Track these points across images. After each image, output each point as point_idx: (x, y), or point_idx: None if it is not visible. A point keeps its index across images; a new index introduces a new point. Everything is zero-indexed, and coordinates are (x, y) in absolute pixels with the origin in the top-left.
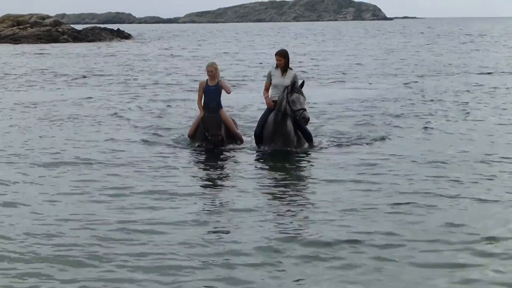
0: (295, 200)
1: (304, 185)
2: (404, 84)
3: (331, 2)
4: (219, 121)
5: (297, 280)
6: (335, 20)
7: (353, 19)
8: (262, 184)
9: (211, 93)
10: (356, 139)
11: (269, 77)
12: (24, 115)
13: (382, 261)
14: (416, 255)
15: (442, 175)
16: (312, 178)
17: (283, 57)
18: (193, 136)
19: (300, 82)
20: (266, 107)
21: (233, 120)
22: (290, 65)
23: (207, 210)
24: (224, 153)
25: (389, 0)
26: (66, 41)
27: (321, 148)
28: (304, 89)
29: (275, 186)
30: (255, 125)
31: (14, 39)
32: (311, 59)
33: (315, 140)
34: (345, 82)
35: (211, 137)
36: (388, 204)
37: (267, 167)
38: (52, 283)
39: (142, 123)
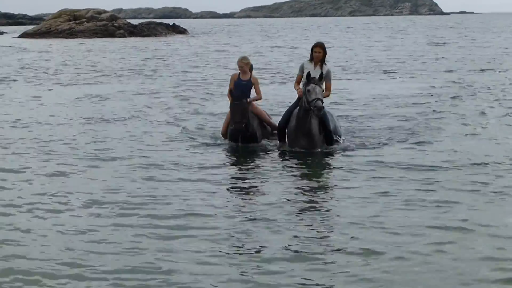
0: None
1: (326, 194)
2: (454, 81)
3: None
4: (243, 108)
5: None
6: (391, 14)
7: (409, 14)
8: (288, 191)
9: (242, 87)
10: (388, 140)
11: (301, 69)
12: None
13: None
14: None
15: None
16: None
17: (323, 49)
18: (225, 133)
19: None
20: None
21: (266, 113)
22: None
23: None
24: (251, 153)
25: None
26: (122, 35)
27: (346, 151)
28: (348, 83)
29: (297, 193)
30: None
31: (71, 34)
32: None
33: (341, 141)
34: (393, 77)
35: (235, 124)
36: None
37: (294, 172)
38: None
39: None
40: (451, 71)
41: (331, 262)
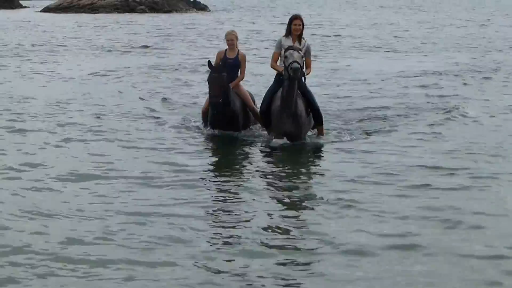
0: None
1: (316, 186)
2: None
3: None
4: (222, 81)
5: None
6: None
7: None
8: (275, 188)
9: (229, 66)
10: (389, 127)
11: (279, 46)
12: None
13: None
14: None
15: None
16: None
17: (302, 22)
18: (206, 114)
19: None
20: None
21: (250, 93)
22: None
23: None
24: (233, 142)
25: None
26: (143, 11)
27: (334, 140)
28: (363, 61)
29: (286, 190)
30: None
31: (92, 9)
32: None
33: (328, 128)
34: (413, 54)
35: (210, 98)
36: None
37: (280, 167)
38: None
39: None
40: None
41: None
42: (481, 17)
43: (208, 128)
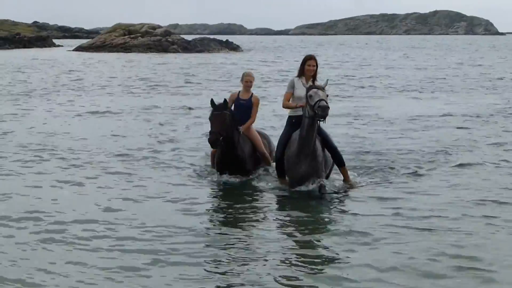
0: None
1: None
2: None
3: (443, 16)
4: (223, 119)
5: None
6: (447, 34)
7: (464, 34)
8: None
9: (241, 107)
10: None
11: (291, 86)
12: None
13: None
14: None
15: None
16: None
17: (316, 62)
18: (214, 156)
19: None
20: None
21: (265, 135)
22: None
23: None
24: (241, 186)
25: (502, 15)
26: (176, 51)
27: (355, 185)
28: (386, 101)
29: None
30: None
31: (125, 48)
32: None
33: (351, 176)
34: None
35: (209, 134)
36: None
37: (290, 216)
38: None
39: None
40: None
41: None
42: None
43: (217, 173)
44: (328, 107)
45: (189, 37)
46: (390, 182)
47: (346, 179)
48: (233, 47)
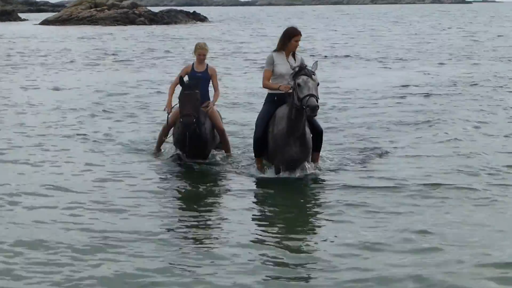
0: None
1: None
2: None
3: None
4: (196, 100)
5: None
6: (413, 3)
7: (431, 2)
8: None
9: (199, 79)
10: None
11: (271, 63)
12: None
13: None
14: None
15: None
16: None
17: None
18: (167, 133)
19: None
20: (262, 104)
21: (218, 112)
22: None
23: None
24: (203, 171)
25: None
26: (143, 23)
27: (323, 169)
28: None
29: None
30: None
31: (92, 21)
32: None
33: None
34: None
35: (183, 117)
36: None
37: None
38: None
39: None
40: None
41: None
42: None
43: (174, 152)
44: (318, 107)
45: (156, 9)
46: (352, 164)
47: (315, 161)
48: (201, 18)
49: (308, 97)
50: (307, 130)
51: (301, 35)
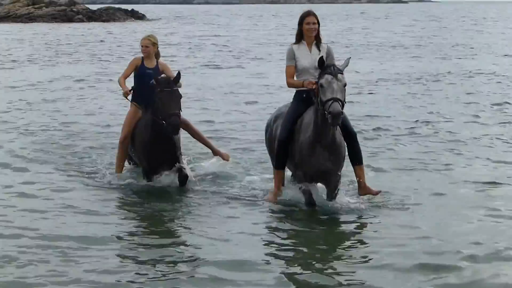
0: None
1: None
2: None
3: None
4: (179, 97)
5: None
6: (350, 3)
7: (368, 2)
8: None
9: (149, 77)
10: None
11: (291, 57)
12: None
13: None
14: None
15: None
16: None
17: (317, 19)
18: (127, 142)
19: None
20: (288, 103)
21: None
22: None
23: None
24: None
25: None
26: (81, 21)
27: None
28: None
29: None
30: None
31: (29, 18)
32: None
33: None
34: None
35: (169, 118)
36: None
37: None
38: None
39: None
40: None
41: None
42: None
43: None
44: (341, 113)
45: (93, 7)
46: None
47: (360, 179)
48: (139, 16)
49: (331, 102)
50: (340, 137)
51: (314, 15)
